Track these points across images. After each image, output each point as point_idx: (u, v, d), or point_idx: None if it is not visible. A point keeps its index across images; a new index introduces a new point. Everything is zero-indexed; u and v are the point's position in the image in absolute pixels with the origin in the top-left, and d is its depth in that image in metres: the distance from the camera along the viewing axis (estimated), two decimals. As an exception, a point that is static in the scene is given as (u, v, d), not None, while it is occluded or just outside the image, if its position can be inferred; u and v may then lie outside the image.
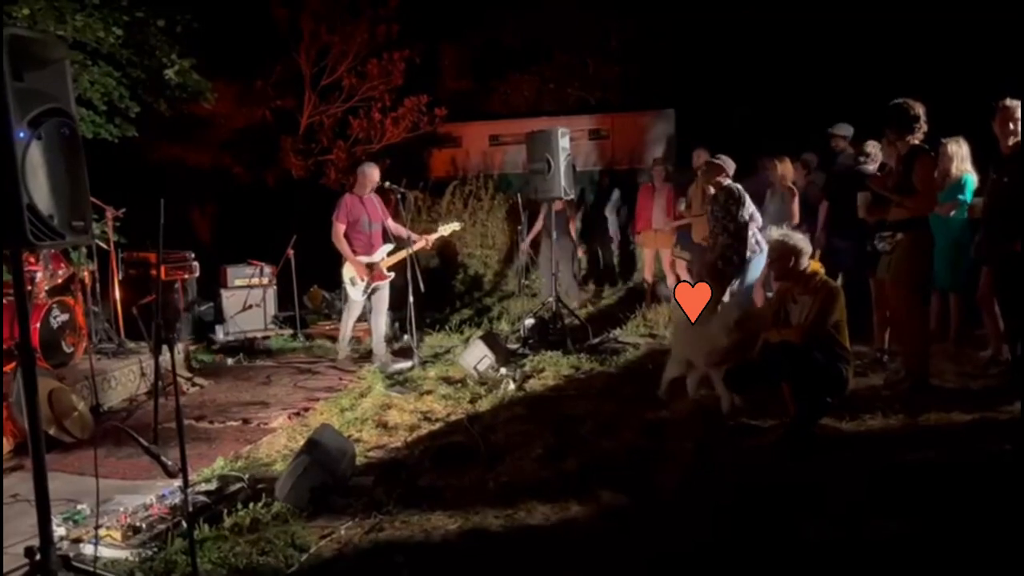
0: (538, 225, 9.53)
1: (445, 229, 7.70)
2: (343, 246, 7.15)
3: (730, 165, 6.89)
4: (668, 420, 5.15)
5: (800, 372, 4.57)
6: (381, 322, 7.38)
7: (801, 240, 4.82)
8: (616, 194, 11.14)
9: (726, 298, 6.68)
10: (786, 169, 7.48)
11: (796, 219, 7.24)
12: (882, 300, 6.11)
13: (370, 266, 7.20)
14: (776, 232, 4.95)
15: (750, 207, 6.80)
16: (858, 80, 10.31)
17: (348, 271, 7.25)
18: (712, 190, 6.92)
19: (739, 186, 6.80)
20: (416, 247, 7.22)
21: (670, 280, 9.11)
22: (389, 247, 7.34)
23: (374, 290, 7.28)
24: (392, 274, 7.29)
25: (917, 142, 5.29)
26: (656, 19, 13.60)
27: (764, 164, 7.92)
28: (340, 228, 7.14)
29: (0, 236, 2.56)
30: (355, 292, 7.27)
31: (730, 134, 9.36)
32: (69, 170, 2.67)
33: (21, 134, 2.49)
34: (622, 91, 14.33)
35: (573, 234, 9.74)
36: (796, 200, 7.44)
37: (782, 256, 4.77)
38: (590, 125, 13.08)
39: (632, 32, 14.05)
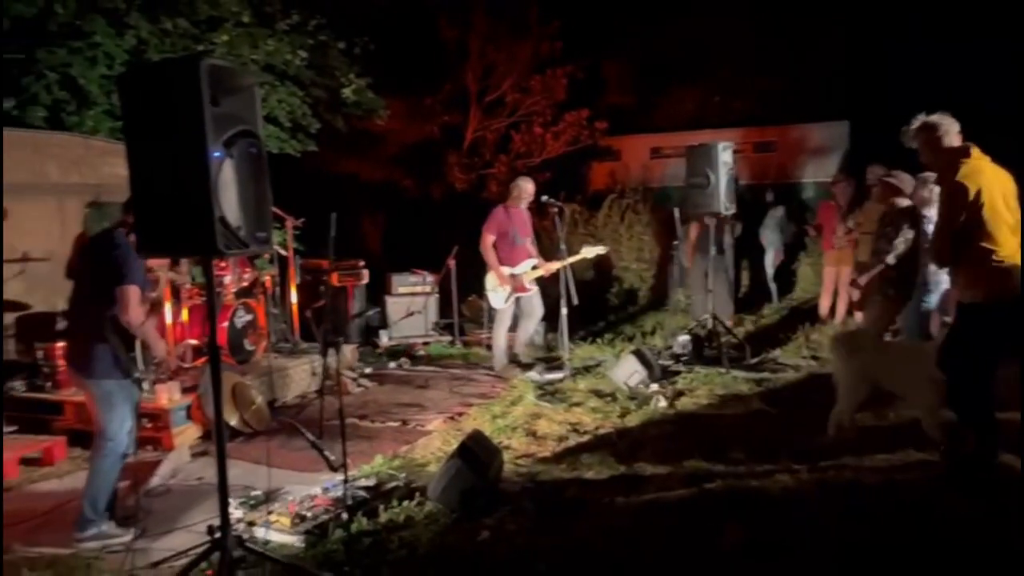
0: (692, 238, 9.35)
1: (589, 252, 7.69)
2: (489, 255, 7.36)
3: (907, 183, 6.45)
4: (826, 448, 4.91)
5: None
6: (530, 328, 7.53)
7: None
8: (781, 210, 10.71)
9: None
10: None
11: None
12: None
13: (513, 276, 7.36)
14: None
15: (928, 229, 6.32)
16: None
17: (490, 280, 7.45)
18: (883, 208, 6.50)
19: (916, 207, 6.35)
20: (549, 271, 7.27)
21: (842, 300, 8.66)
22: (533, 262, 7.46)
23: (517, 300, 7.44)
24: (533, 288, 7.41)
25: None
26: (827, 26, 13.01)
27: None
28: (489, 238, 7.35)
29: (196, 245, 2.87)
30: (497, 300, 7.46)
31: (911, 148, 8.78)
32: (255, 186, 2.95)
33: (216, 154, 2.78)
34: (790, 102, 13.80)
35: (730, 250, 9.49)
36: None
37: None
38: (755, 138, 12.69)
39: (802, 41, 13.51)
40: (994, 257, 4.04)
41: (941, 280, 6.14)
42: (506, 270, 7.36)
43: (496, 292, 7.44)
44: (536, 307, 7.46)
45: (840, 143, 12.21)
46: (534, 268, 7.44)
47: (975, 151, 4.15)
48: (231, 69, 2.95)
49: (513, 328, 7.78)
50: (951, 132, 4.23)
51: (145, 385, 4.15)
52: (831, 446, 4.91)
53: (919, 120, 4.33)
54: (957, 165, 4.11)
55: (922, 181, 6.01)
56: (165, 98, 2.81)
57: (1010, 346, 4.04)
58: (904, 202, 6.17)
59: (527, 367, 7.44)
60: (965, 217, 4.02)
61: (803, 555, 3.49)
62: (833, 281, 8.78)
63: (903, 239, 6.07)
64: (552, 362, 7.71)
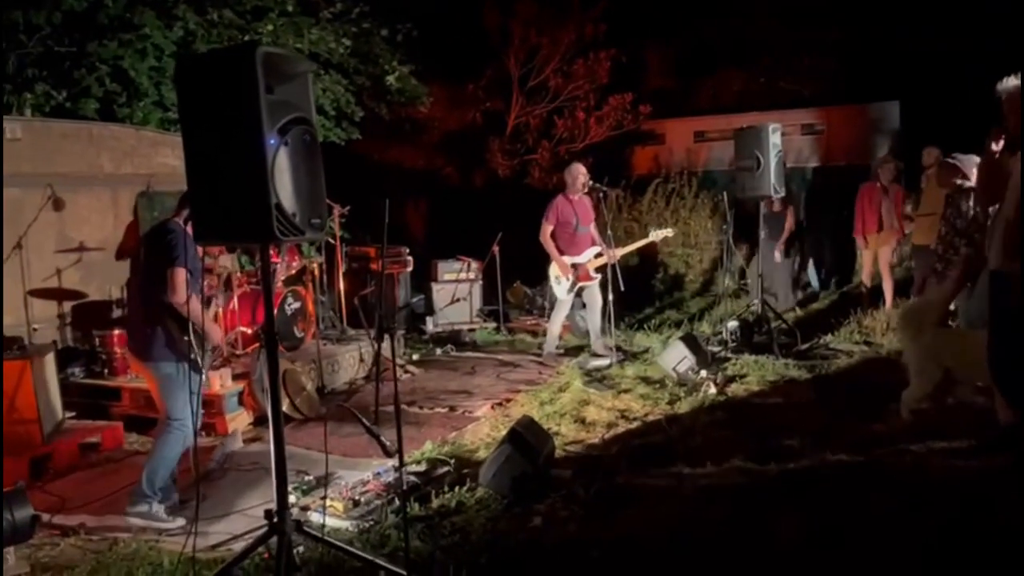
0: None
1: (657, 234, 7.62)
2: (549, 245, 7.29)
3: (969, 164, 6.24)
4: (883, 435, 4.80)
5: None
6: (596, 319, 7.45)
7: None
8: (832, 192, 10.50)
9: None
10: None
11: None
12: None
13: (575, 266, 7.29)
14: None
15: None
16: None
17: (554, 270, 7.39)
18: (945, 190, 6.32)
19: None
20: (614, 258, 7.16)
21: (887, 284, 8.48)
22: (597, 249, 7.37)
23: (581, 289, 7.38)
24: (598, 275, 7.33)
25: None
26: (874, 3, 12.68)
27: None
28: (548, 228, 7.28)
29: (253, 232, 2.88)
30: (560, 290, 7.40)
31: (964, 128, 8.52)
32: (309, 172, 2.95)
33: (272, 141, 2.78)
34: (840, 83, 13.50)
35: (786, 235, 9.32)
36: None
37: None
38: (803, 119, 12.45)
39: (852, 20, 13.20)
40: None
41: None
42: (568, 259, 7.30)
43: (559, 282, 7.40)
44: (598, 296, 7.37)
45: (890, 124, 11.92)
46: (597, 256, 7.37)
47: None
48: (286, 56, 2.95)
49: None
50: None
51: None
52: (886, 432, 4.80)
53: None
54: None
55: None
56: (221, 87, 2.81)
57: None
58: (967, 183, 5.97)
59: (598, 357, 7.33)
60: None
61: (864, 545, 3.42)
62: (872, 264, 8.60)
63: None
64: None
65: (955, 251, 6.00)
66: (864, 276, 8.83)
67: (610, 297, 7.07)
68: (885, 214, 8.37)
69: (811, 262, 10.43)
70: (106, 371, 6.01)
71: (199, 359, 4.11)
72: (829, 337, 7.65)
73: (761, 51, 13.98)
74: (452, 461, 4.60)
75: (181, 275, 3.99)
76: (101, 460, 5.16)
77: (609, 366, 6.97)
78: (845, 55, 13.49)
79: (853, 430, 4.92)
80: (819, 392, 5.95)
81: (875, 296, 8.56)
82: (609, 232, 7.21)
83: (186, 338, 4.03)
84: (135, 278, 4.36)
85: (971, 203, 5.80)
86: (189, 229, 4.07)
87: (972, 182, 5.91)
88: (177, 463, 4.20)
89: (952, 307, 6.18)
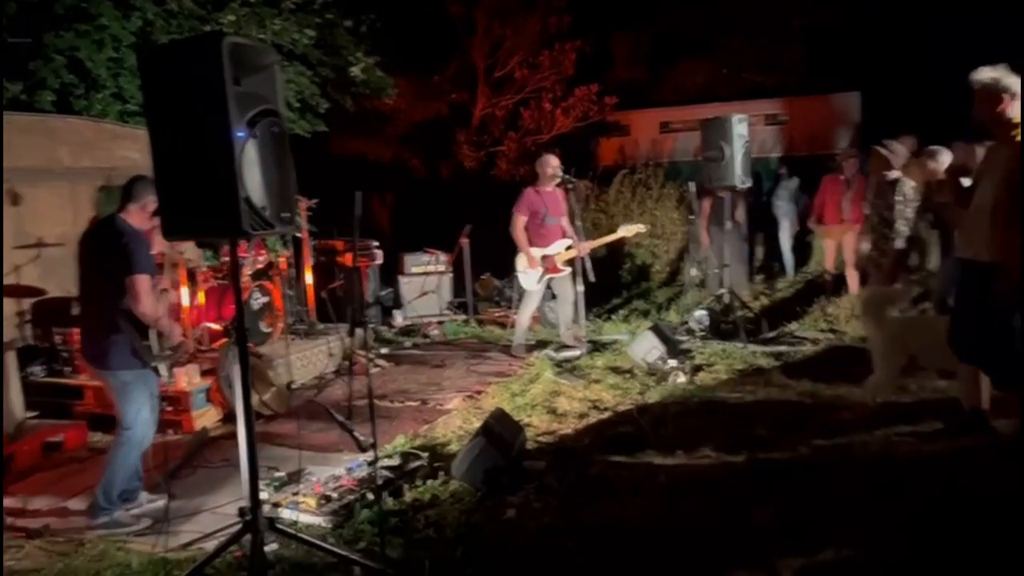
0: (706, 212, 9.29)
1: (628, 230, 7.61)
2: (520, 237, 7.27)
3: (900, 155, 6.32)
4: (851, 421, 4.88)
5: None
6: (567, 310, 7.44)
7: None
8: (795, 182, 10.65)
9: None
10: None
11: None
12: None
13: (545, 257, 7.28)
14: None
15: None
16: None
17: (521, 261, 7.38)
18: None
19: (909, 181, 6.23)
20: (584, 251, 7.17)
21: (851, 273, 8.62)
22: (567, 242, 7.36)
23: (550, 281, 7.37)
24: (568, 268, 7.33)
25: None
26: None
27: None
28: (520, 220, 7.25)
29: (222, 227, 2.83)
30: (528, 282, 7.38)
31: (925, 117, 8.68)
32: (279, 165, 2.91)
33: (240, 134, 2.73)
34: (802, 74, 13.66)
35: (742, 223, 9.42)
36: None
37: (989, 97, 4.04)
38: (766, 110, 12.59)
39: (815, 10, 13.34)
40: None
41: None
42: (538, 251, 7.29)
43: (527, 274, 7.38)
44: (568, 287, 7.36)
45: (852, 114, 12.10)
46: (568, 248, 7.36)
47: None
48: (253, 47, 2.90)
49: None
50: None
51: (163, 370, 4.10)
52: (855, 420, 4.89)
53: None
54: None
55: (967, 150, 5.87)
56: (186, 78, 2.76)
57: None
58: (893, 174, 6.03)
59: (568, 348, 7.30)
60: None
61: (836, 530, 3.48)
62: (834, 253, 8.74)
63: (903, 221, 5.93)
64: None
65: (887, 240, 6.07)
66: (827, 264, 8.96)
67: (580, 288, 7.09)
68: (847, 205, 8.49)
69: (787, 249, 10.55)
70: (67, 369, 5.89)
71: (159, 367, 4.00)
72: (795, 325, 7.76)
73: (725, 42, 14.09)
74: (425, 454, 4.58)
75: (145, 283, 3.82)
76: (64, 460, 5.05)
77: (579, 357, 7.00)
78: (808, 46, 13.65)
79: (821, 417, 5.00)
80: (786, 379, 6.03)
81: (839, 284, 8.70)
82: (578, 223, 7.22)
83: (146, 342, 3.92)
84: (85, 280, 4.15)
85: (896, 194, 5.89)
86: (134, 222, 3.96)
87: (898, 173, 5.99)
88: (135, 467, 4.10)
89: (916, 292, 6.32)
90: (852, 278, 8.60)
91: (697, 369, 6.40)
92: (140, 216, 3.99)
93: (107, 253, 3.91)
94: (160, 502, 4.04)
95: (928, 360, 5.08)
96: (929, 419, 4.69)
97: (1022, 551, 3.14)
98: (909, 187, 5.99)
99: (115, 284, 3.83)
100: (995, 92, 3.98)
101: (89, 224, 4.37)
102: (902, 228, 5.87)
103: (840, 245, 8.73)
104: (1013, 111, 3.97)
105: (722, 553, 3.37)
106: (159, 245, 4.80)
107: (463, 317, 9.16)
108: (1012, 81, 3.96)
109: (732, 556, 3.33)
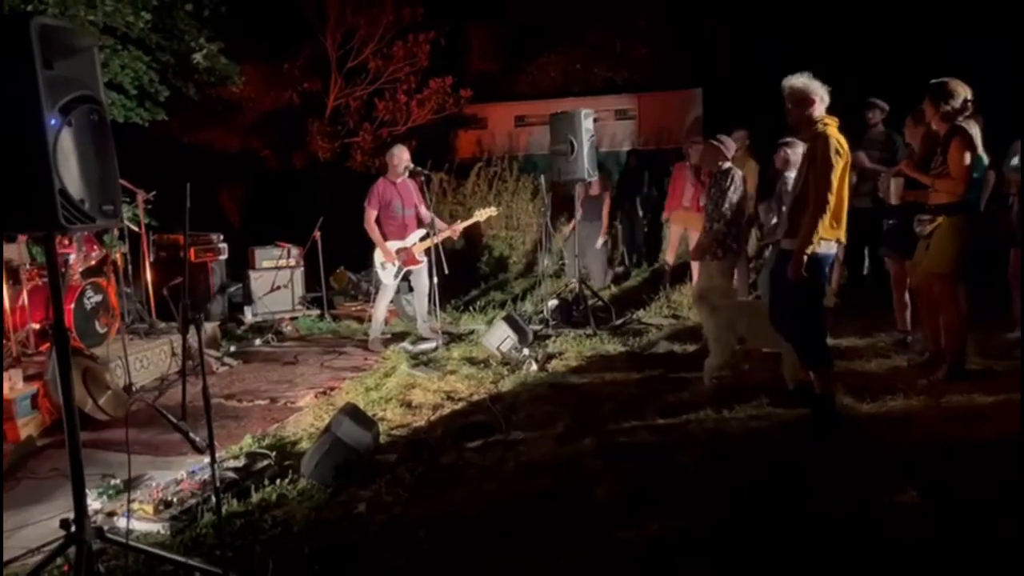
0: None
1: (481, 215, 7.71)
2: (374, 231, 7.21)
3: (730, 147, 6.80)
4: (689, 401, 5.17)
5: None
6: (423, 303, 7.43)
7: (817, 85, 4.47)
8: (644, 175, 11.10)
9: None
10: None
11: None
12: (901, 281, 6.10)
13: (401, 250, 7.25)
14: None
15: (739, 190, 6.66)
16: (895, 59, 10.18)
17: (379, 255, 7.31)
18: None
19: (738, 170, 6.71)
20: (442, 236, 7.21)
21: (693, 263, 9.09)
22: (422, 232, 7.36)
23: (407, 274, 7.35)
24: (425, 259, 7.33)
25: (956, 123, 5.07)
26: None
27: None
28: (371, 214, 7.19)
29: (34, 220, 2.65)
30: (386, 276, 7.34)
31: (760, 112, 9.25)
32: (99, 155, 2.75)
33: (52, 121, 2.56)
34: (649, 71, 14.23)
35: (606, 216, 9.74)
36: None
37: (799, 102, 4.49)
38: (617, 105, 13.04)
39: (661, 11, 13.91)
40: None
41: None
42: (394, 244, 7.22)
43: (385, 268, 7.31)
44: (425, 280, 7.35)
45: (695, 110, 12.73)
46: (423, 239, 7.34)
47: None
48: (65, 28, 2.72)
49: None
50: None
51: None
52: (692, 400, 5.18)
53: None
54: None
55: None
56: (-10, 61, 2.56)
57: None
58: (726, 164, 6.60)
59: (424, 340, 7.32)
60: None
61: (676, 499, 3.70)
62: (679, 238, 9.18)
63: (728, 206, 6.50)
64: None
65: (727, 229, 6.56)
66: (668, 253, 9.37)
67: (435, 280, 7.11)
68: (689, 192, 8.91)
69: (639, 238, 10.98)
70: None
71: None
72: (641, 312, 8.11)
73: (579, 36, 14.43)
74: (273, 454, 4.46)
75: None
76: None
77: (435, 349, 7.02)
78: (655, 43, 14.21)
79: (661, 398, 5.26)
80: (631, 364, 6.30)
81: (682, 272, 9.13)
82: (431, 214, 7.24)
83: None
84: None
85: (727, 182, 6.47)
86: None
87: (729, 164, 6.62)
88: None
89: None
90: (694, 267, 9.06)
91: (549, 357, 6.57)
92: None
93: None
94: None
95: (756, 341, 5.47)
96: (758, 397, 5.04)
97: (834, 515, 3.45)
98: (739, 176, 6.53)
99: None
100: (804, 96, 4.47)
101: None
102: (725, 211, 6.40)
103: (685, 232, 9.17)
104: (818, 112, 4.47)
105: (564, 528, 3.50)
106: None
107: (317, 312, 8.97)
108: (817, 86, 4.47)
109: (573, 530, 3.47)
